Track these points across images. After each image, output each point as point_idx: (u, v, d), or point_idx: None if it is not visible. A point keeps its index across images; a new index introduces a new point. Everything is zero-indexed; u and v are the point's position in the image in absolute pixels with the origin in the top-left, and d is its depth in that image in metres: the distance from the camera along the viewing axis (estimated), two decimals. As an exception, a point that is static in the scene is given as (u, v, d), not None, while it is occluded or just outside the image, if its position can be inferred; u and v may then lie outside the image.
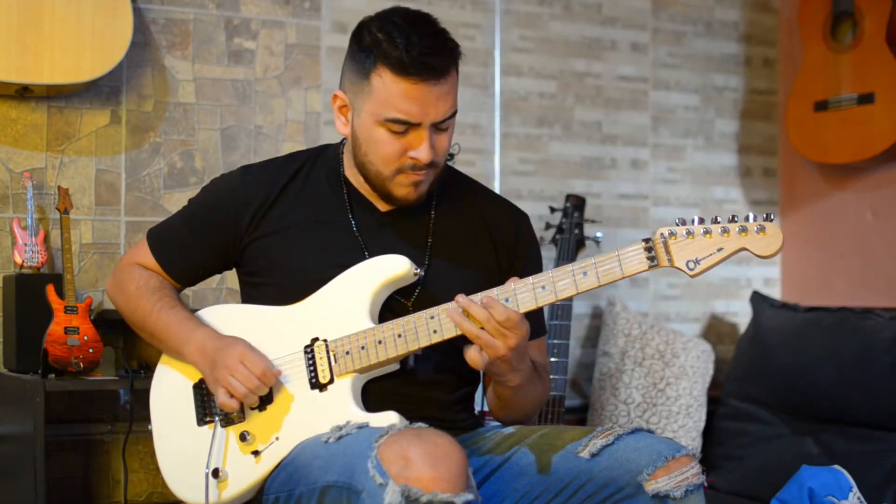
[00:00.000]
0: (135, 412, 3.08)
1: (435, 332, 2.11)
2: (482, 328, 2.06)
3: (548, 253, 3.52)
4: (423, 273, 2.20)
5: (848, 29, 3.90)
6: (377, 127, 2.15)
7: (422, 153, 2.14)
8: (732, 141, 4.23)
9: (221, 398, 2.15)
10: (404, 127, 2.13)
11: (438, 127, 2.15)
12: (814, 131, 3.98)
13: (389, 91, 2.11)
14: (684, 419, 3.72)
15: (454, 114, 2.17)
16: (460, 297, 2.08)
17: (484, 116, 3.78)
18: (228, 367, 2.14)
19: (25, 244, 3.04)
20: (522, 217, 2.39)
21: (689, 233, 2.04)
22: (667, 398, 3.73)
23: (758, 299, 4.00)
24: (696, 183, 4.15)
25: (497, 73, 3.80)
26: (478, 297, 2.09)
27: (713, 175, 4.19)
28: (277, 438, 2.15)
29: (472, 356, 2.09)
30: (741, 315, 4.21)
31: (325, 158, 2.34)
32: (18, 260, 3.03)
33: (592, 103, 3.96)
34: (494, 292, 2.10)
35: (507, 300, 2.09)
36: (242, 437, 2.17)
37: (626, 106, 4.02)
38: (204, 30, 3.38)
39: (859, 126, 3.84)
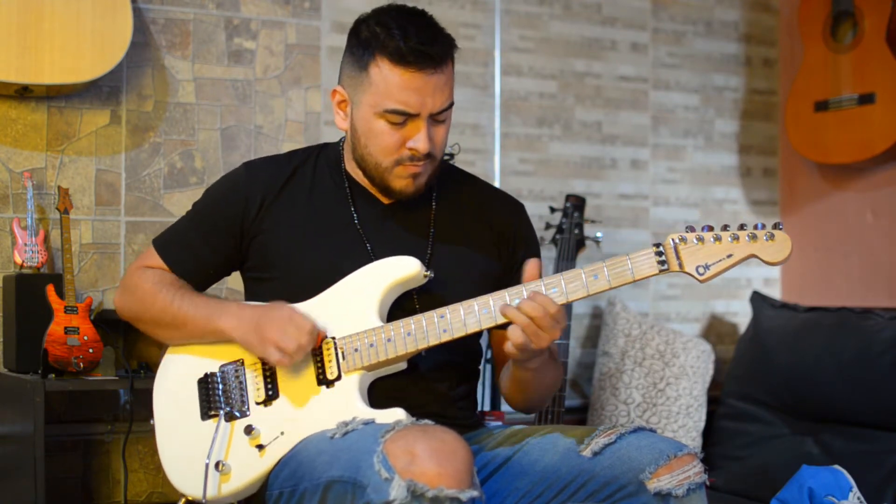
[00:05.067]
0: (135, 412, 3.08)
1: (445, 331, 2.13)
2: (530, 320, 2.07)
3: (548, 253, 3.52)
4: (433, 275, 2.21)
5: (848, 29, 3.90)
6: (376, 119, 2.18)
7: (419, 143, 2.17)
8: (732, 141, 4.23)
9: (274, 356, 2.14)
10: (403, 118, 2.16)
11: (436, 119, 2.19)
12: (814, 131, 3.98)
13: (388, 81, 2.14)
14: (684, 419, 3.72)
15: (451, 105, 2.20)
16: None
17: (484, 116, 3.78)
18: (278, 324, 2.14)
19: (25, 244, 3.04)
20: (519, 207, 2.42)
21: (699, 239, 2.09)
22: (667, 398, 3.73)
23: (758, 299, 4.00)
24: (696, 183, 4.15)
25: (497, 73, 3.80)
26: (501, 293, 2.12)
27: (713, 175, 4.19)
28: (283, 433, 2.16)
29: (516, 337, 2.08)
30: (741, 315, 4.21)
31: (325, 154, 2.37)
32: (18, 260, 3.03)
33: (592, 103, 3.96)
34: (506, 294, 2.12)
35: (517, 301, 2.10)
36: (247, 431, 2.17)
37: (626, 106, 4.02)
38: (204, 30, 3.38)
39: (859, 126, 3.84)
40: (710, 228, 2.10)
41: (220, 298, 2.30)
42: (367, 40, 2.16)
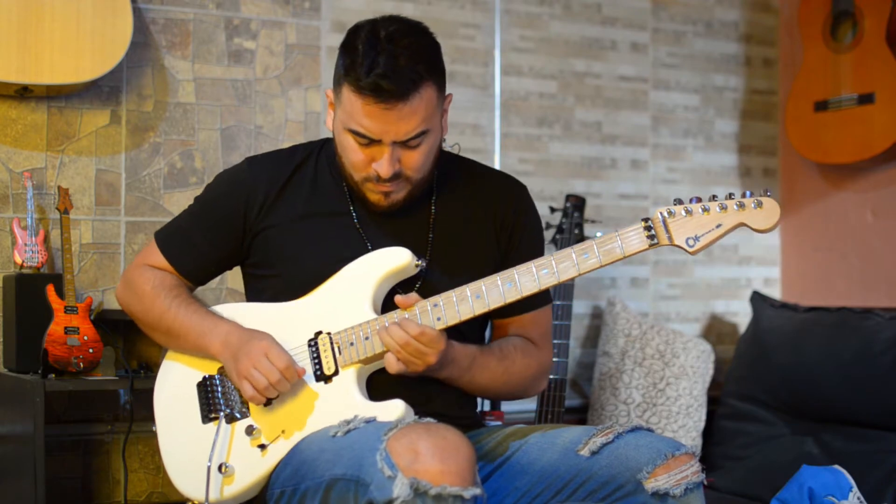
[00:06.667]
0: (135, 412, 3.08)
1: (439, 319, 2.14)
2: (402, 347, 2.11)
3: (548, 253, 3.52)
4: (424, 265, 2.22)
5: (848, 29, 3.90)
6: (346, 134, 2.19)
7: (381, 168, 2.17)
8: (732, 141, 4.23)
9: (247, 392, 2.15)
10: (367, 140, 2.16)
11: (406, 144, 2.17)
12: (814, 131, 3.98)
13: (352, 105, 2.14)
14: (684, 419, 3.72)
15: (423, 133, 2.17)
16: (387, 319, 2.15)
17: (484, 116, 3.78)
18: (252, 358, 2.14)
19: (25, 244, 3.04)
20: (520, 188, 2.40)
21: (687, 211, 2.07)
22: (667, 398, 3.73)
23: (758, 299, 4.00)
24: (696, 183, 4.15)
25: (497, 73, 3.80)
26: (393, 315, 2.15)
27: (713, 175, 4.19)
28: (283, 431, 2.17)
29: (391, 366, 2.14)
30: (741, 315, 4.21)
31: (327, 151, 2.37)
32: (18, 260, 3.03)
33: (592, 103, 3.96)
34: (497, 278, 2.11)
35: (509, 284, 2.10)
36: (248, 431, 2.18)
37: (626, 106, 4.02)
38: (204, 30, 3.38)
39: (859, 126, 3.84)
40: (699, 200, 2.07)
41: (216, 314, 2.29)
42: (343, 57, 2.16)
